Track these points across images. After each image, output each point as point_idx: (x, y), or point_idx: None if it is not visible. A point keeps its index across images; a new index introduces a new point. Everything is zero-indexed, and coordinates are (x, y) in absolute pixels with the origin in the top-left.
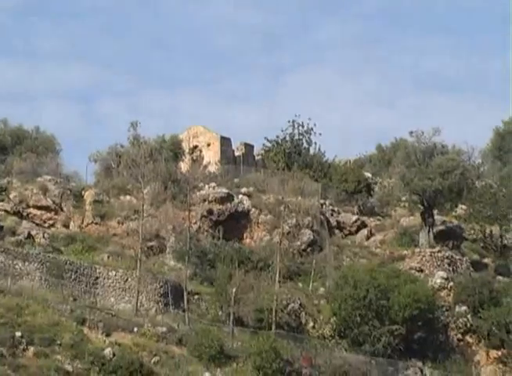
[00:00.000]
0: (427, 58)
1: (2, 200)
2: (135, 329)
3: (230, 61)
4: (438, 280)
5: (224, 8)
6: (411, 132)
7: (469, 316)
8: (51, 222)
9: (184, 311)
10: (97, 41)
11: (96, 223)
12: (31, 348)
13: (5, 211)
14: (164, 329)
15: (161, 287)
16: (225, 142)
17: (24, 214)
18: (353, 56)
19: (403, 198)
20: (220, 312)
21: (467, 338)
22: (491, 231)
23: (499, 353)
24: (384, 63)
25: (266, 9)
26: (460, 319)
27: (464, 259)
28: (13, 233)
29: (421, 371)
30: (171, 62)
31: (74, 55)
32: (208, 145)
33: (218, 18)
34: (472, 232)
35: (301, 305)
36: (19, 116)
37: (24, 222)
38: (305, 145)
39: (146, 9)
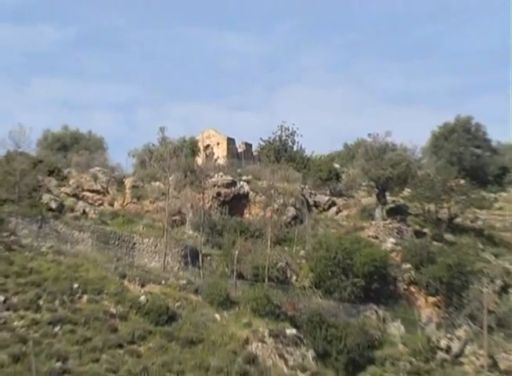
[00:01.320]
0: (386, 79)
1: (64, 186)
2: (163, 281)
3: (236, 79)
4: (389, 245)
5: (233, 39)
6: (369, 134)
7: (412, 271)
8: (100, 202)
9: (199, 268)
10: (136, 65)
11: (134, 203)
12: (85, 297)
13: (66, 193)
14: (184, 281)
15: (182, 250)
16: (230, 141)
17: (80, 196)
18: (330, 76)
19: (363, 184)
20: (226, 269)
21: (411, 288)
22: (428, 208)
23: (434, 299)
24: (354, 82)
25: (266, 40)
26: (406, 274)
27: (409, 229)
28: (72, 210)
29: (376, 313)
30: (191, 80)
31: (118, 75)
32: (218, 144)
33: (228, 46)
34: (415, 209)
35: (287, 263)
36: (76, 122)
37: (80, 202)
38: (290, 144)
39: (173, 40)
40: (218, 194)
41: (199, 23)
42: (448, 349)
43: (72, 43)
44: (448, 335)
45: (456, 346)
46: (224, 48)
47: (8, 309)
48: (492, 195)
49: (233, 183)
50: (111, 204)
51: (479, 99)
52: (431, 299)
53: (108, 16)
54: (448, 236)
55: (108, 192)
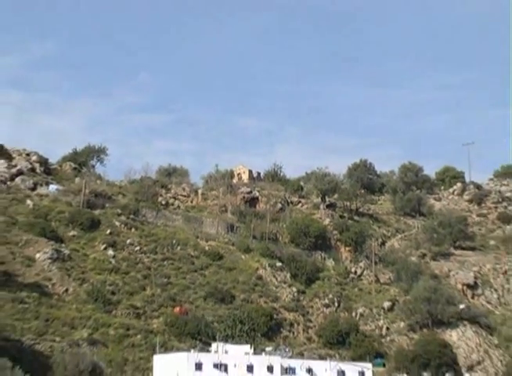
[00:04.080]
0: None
1: (168, 193)
2: (216, 239)
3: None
4: (327, 222)
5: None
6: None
7: (338, 235)
8: (186, 201)
9: (234, 233)
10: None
11: (202, 201)
12: (178, 247)
13: (170, 196)
14: (227, 240)
15: (226, 225)
16: (250, 171)
17: (176, 198)
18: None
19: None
20: (248, 234)
21: (338, 243)
22: (347, 204)
23: (349, 248)
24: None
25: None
26: (335, 236)
27: (336, 215)
28: (172, 205)
29: (321, 255)
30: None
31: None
32: (244, 172)
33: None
34: (341, 203)
35: (277, 231)
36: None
37: (176, 201)
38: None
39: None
40: (243, 197)
41: None
42: (355, 272)
43: None
44: (355, 266)
45: (359, 271)
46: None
47: (142, 253)
48: (377, 197)
49: (251, 192)
50: (191, 202)
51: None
52: (348, 248)
53: None
54: (356, 218)
55: (190, 196)
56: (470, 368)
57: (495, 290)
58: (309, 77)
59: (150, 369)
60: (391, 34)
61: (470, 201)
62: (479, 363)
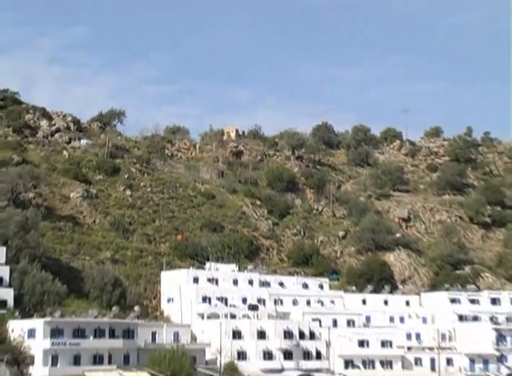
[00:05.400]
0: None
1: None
2: (210, 183)
3: None
4: (296, 170)
5: None
6: None
7: (304, 179)
8: (188, 152)
9: (224, 178)
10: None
11: (200, 153)
12: (181, 189)
13: (176, 150)
14: (218, 183)
15: (218, 171)
16: (237, 130)
17: (180, 151)
18: None
19: None
20: (235, 178)
21: (305, 186)
22: None
23: (313, 191)
24: None
25: None
26: (303, 180)
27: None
28: (176, 156)
29: (291, 197)
30: None
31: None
32: (232, 131)
33: None
34: None
35: (258, 177)
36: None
37: (180, 153)
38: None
39: None
40: (231, 150)
41: None
42: (317, 209)
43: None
44: (317, 204)
45: (320, 208)
46: None
47: (152, 193)
48: (335, 151)
49: (237, 146)
50: (191, 154)
51: (332, 115)
52: (311, 190)
53: None
54: (318, 167)
55: (189, 149)
56: (403, 282)
57: (424, 222)
58: (286, 58)
59: (158, 282)
60: (353, 24)
61: (406, 155)
62: (410, 277)
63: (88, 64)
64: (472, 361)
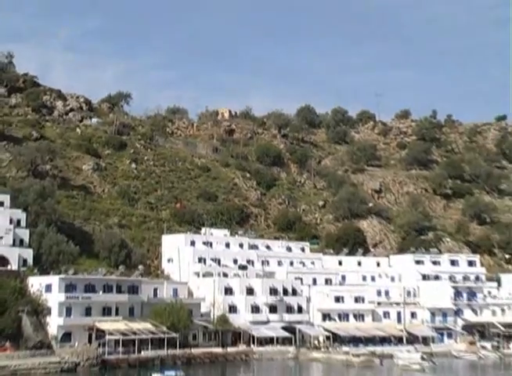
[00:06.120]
0: None
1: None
2: (206, 157)
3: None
4: (282, 146)
5: None
6: None
7: (288, 154)
8: (186, 130)
9: (218, 153)
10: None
11: (197, 131)
12: (180, 163)
13: (177, 129)
14: (213, 157)
15: (212, 146)
16: (229, 111)
17: (179, 129)
18: None
19: None
20: (228, 153)
21: (289, 161)
22: None
23: (297, 165)
24: None
25: None
26: (288, 156)
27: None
28: (176, 133)
29: (277, 170)
30: None
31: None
32: (226, 112)
33: None
34: None
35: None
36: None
37: (179, 131)
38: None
39: None
40: (225, 129)
41: None
42: (300, 181)
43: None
44: (300, 177)
45: (302, 180)
46: None
47: (155, 166)
48: (316, 130)
49: (230, 125)
50: (189, 132)
51: (315, 98)
52: (295, 165)
53: None
54: (302, 144)
55: (188, 127)
56: (375, 245)
57: (393, 194)
58: (274, 47)
59: (160, 244)
60: (328, 18)
61: (379, 134)
62: (380, 242)
63: (98, 51)
64: (433, 314)
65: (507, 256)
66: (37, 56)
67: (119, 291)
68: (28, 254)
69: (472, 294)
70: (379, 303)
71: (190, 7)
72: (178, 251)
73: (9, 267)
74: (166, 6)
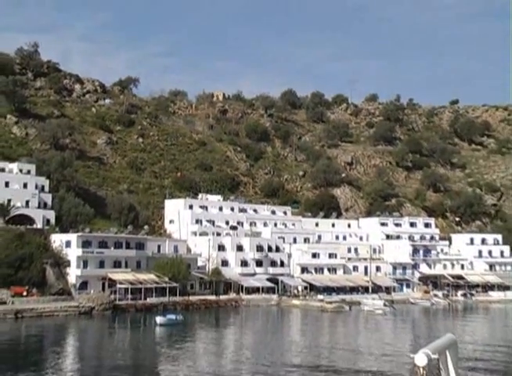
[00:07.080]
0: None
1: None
2: (202, 133)
3: None
4: (268, 123)
5: None
6: None
7: (275, 131)
8: (186, 110)
9: (213, 130)
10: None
11: (196, 111)
12: (180, 138)
13: (178, 109)
14: (209, 134)
15: (207, 123)
16: (223, 93)
17: (181, 109)
18: None
19: None
20: (223, 130)
21: (274, 137)
22: None
23: (281, 140)
24: None
25: None
26: (273, 133)
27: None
28: (176, 113)
29: (263, 145)
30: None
31: None
32: (221, 95)
33: None
34: None
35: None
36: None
37: (180, 111)
38: (240, 95)
39: None
40: (219, 109)
41: None
42: (283, 155)
43: None
44: (283, 151)
45: (285, 154)
46: None
47: (159, 140)
48: (297, 111)
49: (223, 106)
50: (188, 111)
51: (296, 83)
52: (279, 140)
53: None
54: (285, 123)
55: (187, 108)
56: (346, 210)
57: (363, 166)
58: (262, 38)
59: (163, 208)
60: (315, 13)
61: (351, 115)
62: (351, 207)
63: (110, 41)
64: (394, 268)
65: (457, 219)
66: (58, 45)
67: (128, 247)
68: (51, 215)
69: (427, 251)
70: (349, 259)
71: (189, 4)
72: (178, 214)
73: (34, 226)
74: (168, 2)
